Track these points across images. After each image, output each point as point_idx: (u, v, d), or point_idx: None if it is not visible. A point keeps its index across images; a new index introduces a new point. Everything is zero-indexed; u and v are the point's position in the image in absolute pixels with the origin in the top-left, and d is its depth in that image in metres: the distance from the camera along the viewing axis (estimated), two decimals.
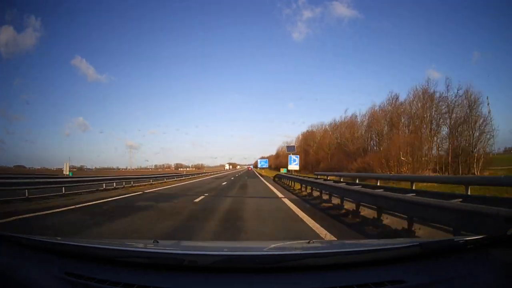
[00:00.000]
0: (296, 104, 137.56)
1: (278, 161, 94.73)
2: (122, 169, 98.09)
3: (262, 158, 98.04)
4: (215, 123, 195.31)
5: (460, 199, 5.17)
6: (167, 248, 1.75)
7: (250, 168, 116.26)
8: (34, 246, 1.56)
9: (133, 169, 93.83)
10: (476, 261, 1.32)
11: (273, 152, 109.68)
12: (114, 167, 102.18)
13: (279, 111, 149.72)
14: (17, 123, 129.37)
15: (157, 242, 1.77)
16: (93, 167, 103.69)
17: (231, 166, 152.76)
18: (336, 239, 4.72)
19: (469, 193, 8.04)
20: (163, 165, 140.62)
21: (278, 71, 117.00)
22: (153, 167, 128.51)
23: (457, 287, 1.19)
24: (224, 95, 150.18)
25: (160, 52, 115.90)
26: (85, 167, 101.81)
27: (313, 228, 5.69)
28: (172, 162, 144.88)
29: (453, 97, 27.88)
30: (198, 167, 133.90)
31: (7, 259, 1.48)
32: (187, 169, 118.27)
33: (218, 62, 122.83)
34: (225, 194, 14.20)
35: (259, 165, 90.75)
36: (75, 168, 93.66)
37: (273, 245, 1.89)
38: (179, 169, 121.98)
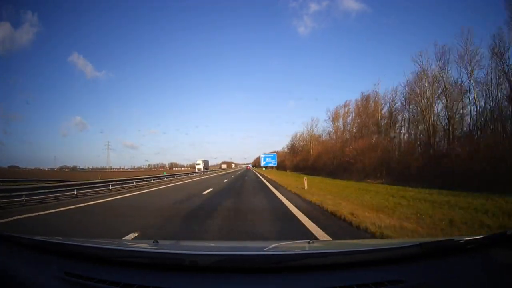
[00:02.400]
0: (296, 104, 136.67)
1: (298, 159, 58.51)
2: (116, 169, 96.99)
3: (266, 153, 64.93)
4: (215, 123, 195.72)
5: None
6: (167, 248, 1.77)
7: (248, 167, 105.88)
8: (34, 246, 1.58)
9: (111, 170, 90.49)
10: (476, 261, 1.34)
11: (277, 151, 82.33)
12: (107, 167, 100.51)
13: (280, 112, 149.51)
14: (13, 122, 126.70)
15: (157, 242, 1.78)
16: (87, 167, 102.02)
17: (225, 166, 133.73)
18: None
19: None
20: (157, 164, 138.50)
21: (280, 69, 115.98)
22: (146, 166, 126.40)
23: (457, 287, 1.21)
24: (225, 95, 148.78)
25: (160, 49, 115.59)
26: (78, 167, 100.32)
27: None
28: (176, 162, 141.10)
29: None
30: (193, 166, 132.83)
31: (7, 259, 1.50)
32: (183, 168, 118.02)
33: (220, 61, 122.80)
34: None
35: (263, 163, 61.74)
36: (68, 169, 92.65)
37: (273, 245, 1.91)
38: (174, 168, 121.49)
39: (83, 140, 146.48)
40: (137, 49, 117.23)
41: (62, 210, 8.75)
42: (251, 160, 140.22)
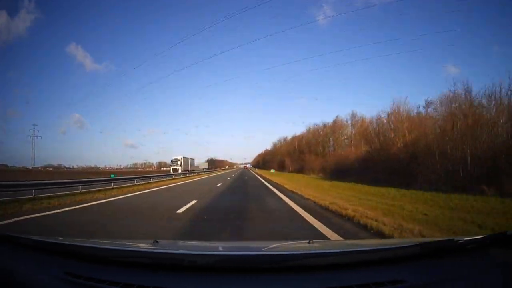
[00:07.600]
0: (297, 103, 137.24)
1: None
2: (101, 168, 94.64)
3: None
4: (215, 123, 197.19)
5: None
6: (167, 248, 1.80)
7: (246, 167, 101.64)
8: (34, 246, 1.61)
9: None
10: (476, 261, 1.37)
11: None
12: (103, 166, 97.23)
13: (281, 112, 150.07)
14: (8, 119, 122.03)
15: (157, 242, 1.81)
16: (71, 166, 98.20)
17: (208, 163, 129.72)
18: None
19: None
20: (144, 163, 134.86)
21: (283, 68, 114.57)
22: (132, 165, 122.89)
23: (457, 287, 1.24)
24: (226, 94, 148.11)
25: (162, 46, 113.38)
26: (63, 165, 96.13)
27: None
28: (165, 161, 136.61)
29: None
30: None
31: (7, 259, 1.52)
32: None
33: (224, 60, 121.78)
34: None
35: None
36: (51, 167, 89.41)
37: (273, 245, 1.93)
38: (162, 168, 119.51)
39: (79, 138, 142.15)
40: (137, 46, 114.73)
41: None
42: (250, 159, 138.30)
